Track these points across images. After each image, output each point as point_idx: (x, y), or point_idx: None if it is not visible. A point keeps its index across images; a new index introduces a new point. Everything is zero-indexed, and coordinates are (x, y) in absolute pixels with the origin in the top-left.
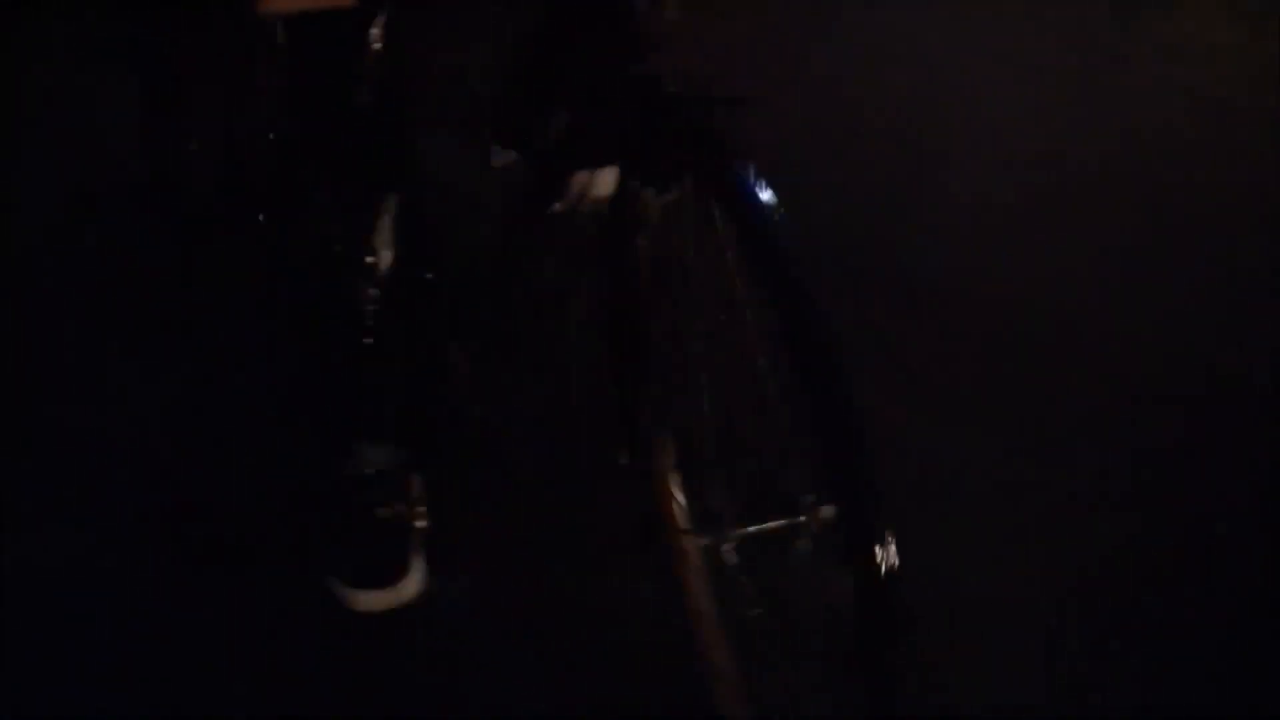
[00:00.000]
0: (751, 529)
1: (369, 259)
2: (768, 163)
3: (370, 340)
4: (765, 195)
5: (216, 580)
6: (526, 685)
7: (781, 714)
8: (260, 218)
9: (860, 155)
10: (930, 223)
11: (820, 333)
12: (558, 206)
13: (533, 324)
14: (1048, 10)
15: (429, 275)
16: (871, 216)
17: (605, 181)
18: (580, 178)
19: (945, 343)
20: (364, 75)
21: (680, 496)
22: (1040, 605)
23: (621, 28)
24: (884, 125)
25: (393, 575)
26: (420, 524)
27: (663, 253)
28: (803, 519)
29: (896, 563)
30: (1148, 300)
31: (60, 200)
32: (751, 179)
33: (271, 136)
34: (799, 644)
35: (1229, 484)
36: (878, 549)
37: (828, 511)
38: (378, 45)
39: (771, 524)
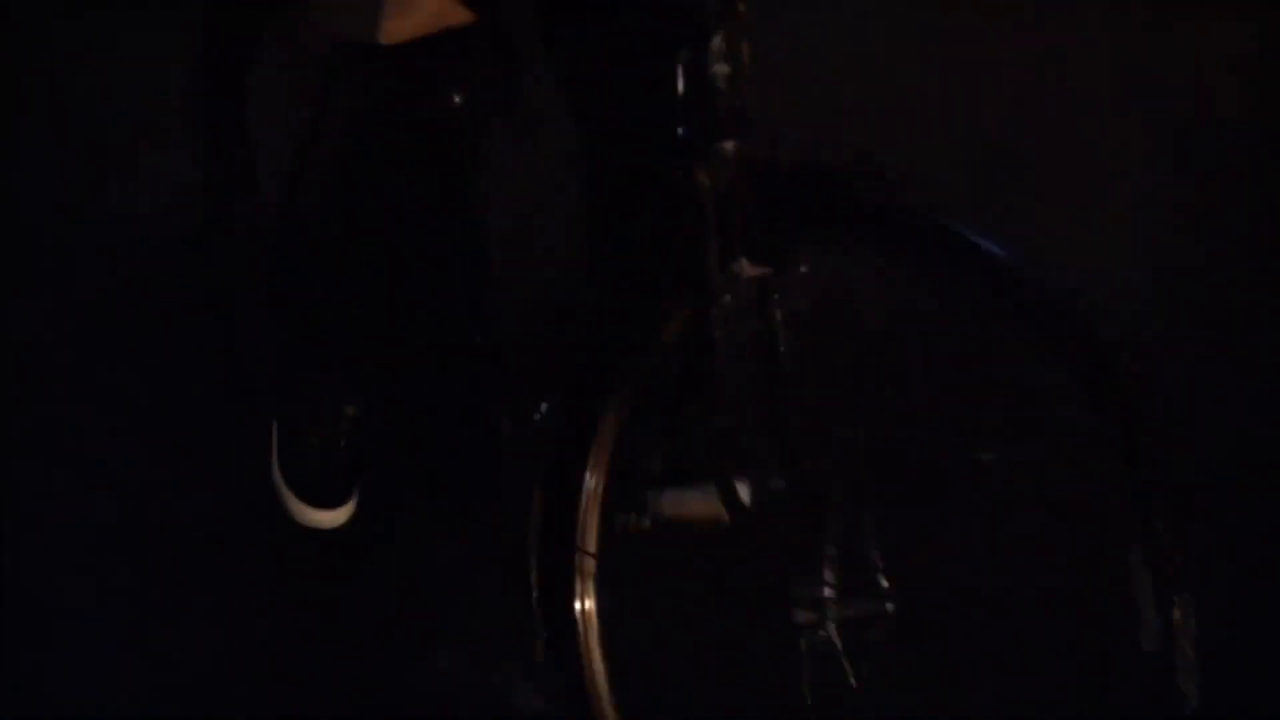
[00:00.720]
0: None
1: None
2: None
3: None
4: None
5: (216, 580)
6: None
7: None
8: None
9: None
10: None
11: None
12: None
13: None
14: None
15: (478, 338)
16: None
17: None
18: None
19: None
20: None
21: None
22: (1040, 604)
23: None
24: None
25: (334, 501)
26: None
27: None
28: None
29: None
30: (1149, 301)
31: (60, 201)
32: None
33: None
34: None
35: (1229, 483)
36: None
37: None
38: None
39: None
